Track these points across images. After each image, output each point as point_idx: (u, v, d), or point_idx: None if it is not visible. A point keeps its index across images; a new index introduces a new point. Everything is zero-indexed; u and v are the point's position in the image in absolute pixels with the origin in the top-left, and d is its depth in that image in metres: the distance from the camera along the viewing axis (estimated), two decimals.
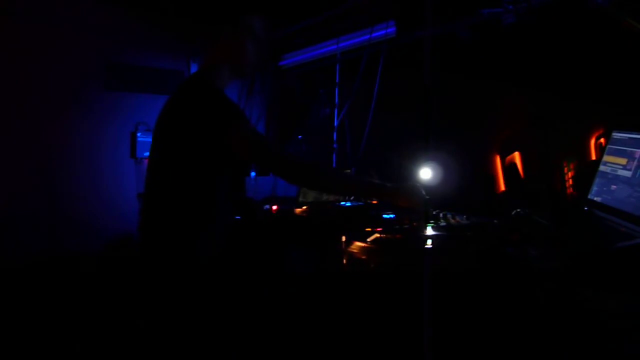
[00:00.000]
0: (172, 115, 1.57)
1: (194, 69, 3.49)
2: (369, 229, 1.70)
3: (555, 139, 2.05)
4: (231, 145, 1.47)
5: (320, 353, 1.77)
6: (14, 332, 2.59)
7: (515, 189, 2.18)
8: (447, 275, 1.37)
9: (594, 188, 1.76)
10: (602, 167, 1.75)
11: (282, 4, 2.70)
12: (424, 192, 1.54)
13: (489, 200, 2.25)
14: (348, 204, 2.21)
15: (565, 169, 2.00)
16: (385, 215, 1.95)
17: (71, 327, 2.68)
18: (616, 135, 1.73)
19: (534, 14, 1.78)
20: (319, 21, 2.87)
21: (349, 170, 2.57)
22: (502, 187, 2.27)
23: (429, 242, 1.48)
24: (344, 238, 1.66)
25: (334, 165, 3.02)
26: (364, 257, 1.60)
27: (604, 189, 1.70)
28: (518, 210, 1.66)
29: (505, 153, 2.24)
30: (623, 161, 1.64)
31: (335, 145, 3.02)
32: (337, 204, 2.22)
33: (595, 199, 1.73)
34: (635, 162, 1.57)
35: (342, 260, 1.66)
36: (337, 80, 3.10)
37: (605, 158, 1.75)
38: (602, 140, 1.89)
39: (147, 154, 1.56)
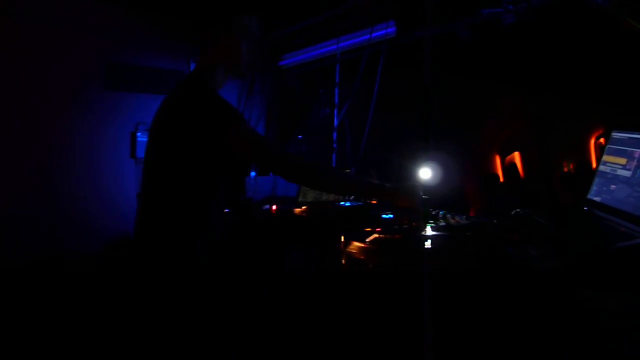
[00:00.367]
0: (169, 116, 1.57)
1: (193, 68, 3.48)
2: (369, 229, 1.70)
3: (555, 139, 2.05)
4: (231, 145, 1.48)
5: (320, 353, 1.77)
6: (14, 332, 2.59)
7: (515, 189, 2.18)
8: (446, 275, 1.37)
9: (594, 188, 1.76)
10: (601, 167, 1.75)
11: (282, 4, 2.70)
12: (422, 192, 1.54)
13: (489, 200, 2.25)
14: (348, 204, 2.21)
15: (565, 169, 2.00)
16: (384, 216, 1.95)
17: (71, 327, 2.68)
18: (616, 135, 1.73)
19: (534, 14, 1.78)
20: (319, 21, 2.87)
21: (348, 170, 2.57)
22: (502, 187, 2.27)
23: (429, 242, 1.48)
24: (342, 238, 1.66)
25: (333, 165, 3.02)
26: (363, 257, 1.60)
27: (604, 188, 1.70)
28: (518, 210, 1.66)
29: (505, 153, 2.24)
30: (623, 161, 1.64)
31: (335, 145, 3.02)
32: (337, 204, 2.22)
33: (595, 198, 1.73)
34: (635, 162, 1.57)
35: (342, 261, 1.66)
36: (337, 80, 3.10)
37: (605, 158, 1.75)
38: (602, 140, 1.89)
39: (144, 153, 1.56)
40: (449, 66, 2.02)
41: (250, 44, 1.67)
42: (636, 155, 1.58)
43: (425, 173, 1.61)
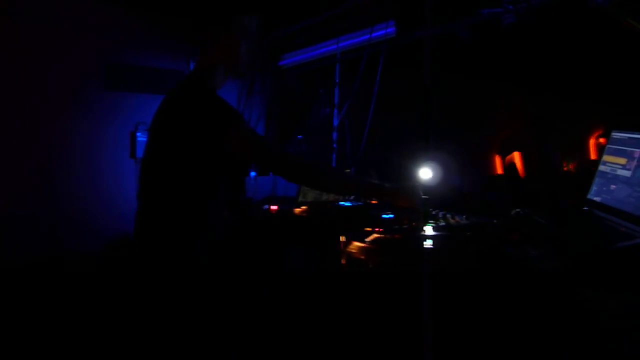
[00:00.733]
0: (169, 116, 1.57)
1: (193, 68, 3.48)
2: (369, 229, 1.70)
3: (555, 139, 2.05)
4: (231, 145, 1.48)
5: (320, 353, 1.77)
6: (14, 332, 2.59)
7: (515, 189, 2.18)
8: (446, 275, 1.37)
9: (594, 188, 1.76)
10: (601, 167, 1.75)
11: (282, 4, 2.70)
12: (422, 192, 1.54)
13: (489, 200, 2.25)
14: (348, 204, 2.21)
15: (565, 169, 2.00)
16: (384, 216, 1.95)
17: (71, 327, 2.68)
18: (616, 135, 1.73)
19: (534, 14, 1.78)
20: (319, 21, 2.87)
21: (348, 170, 2.57)
22: (502, 188, 2.27)
23: (429, 242, 1.48)
24: (342, 238, 1.66)
25: (333, 165, 3.02)
26: (363, 257, 1.60)
27: (604, 188, 1.70)
28: (518, 210, 1.66)
29: (505, 153, 2.24)
30: (622, 161, 1.64)
31: (335, 145, 3.02)
32: (337, 204, 2.22)
33: (595, 198, 1.73)
34: (635, 162, 1.57)
35: (342, 261, 1.66)
36: (337, 80, 3.10)
37: (605, 158, 1.75)
38: (601, 140, 1.89)
39: (143, 153, 1.56)
40: (449, 66, 2.01)
41: (250, 44, 1.67)
42: (636, 155, 1.58)
43: (425, 173, 1.61)
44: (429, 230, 1.56)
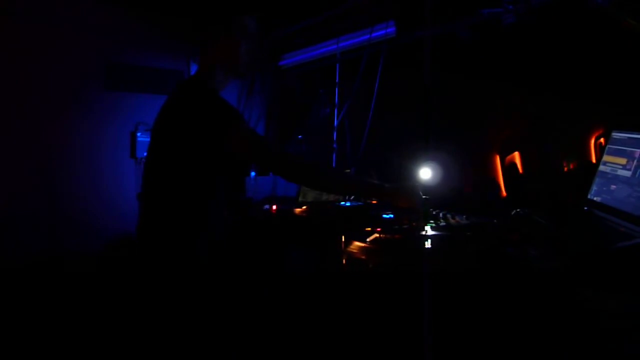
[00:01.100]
0: (170, 116, 1.57)
1: (194, 69, 3.48)
2: (369, 229, 1.70)
3: (555, 139, 2.05)
4: (231, 145, 1.48)
5: (320, 353, 1.77)
6: (14, 332, 2.59)
7: (515, 189, 2.18)
8: (446, 275, 1.37)
9: (594, 188, 1.76)
10: (601, 167, 1.75)
11: (282, 4, 2.70)
12: (422, 193, 1.54)
13: (489, 200, 2.25)
14: (348, 204, 2.21)
15: (565, 169, 2.00)
16: (384, 215, 1.95)
17: (71, 327, 2.68)
18: (616, 135, 1.73)
19: (534, 14, 1.78)
20: (319, 21, 2.87)
21: (348, 170, 2.57)
22: (503, 187, 2.27)
23: (429, 242, 1.48)
24: (343, 238, 1.66)
25: (334, 165, 3.02)
26: (363, 257, 1.60)
27: (604, 188, 1.70)
28: (518, 210, 1.66)
29: (505, 153, 2.24)
30: (623, 161, 1.64)
31: (335, 145, 3.02)
32: (337, 204, 2.22)
33: (595, 198, 1.73)
34: (635, 162, 1.57)
35: (342, 260, 1.66)
36: (337, 80, 3.10)
37: (605, 158, 1.75)
38: (602, 140, 1.89)
39: (146, 154, 1.57)
40: (449, 66, 2.01)
41: (250, 44, 1.67)
42: (636, 155, 1.58)
43: (425, 173, 1.61)
44: (429, 230, 1.56)
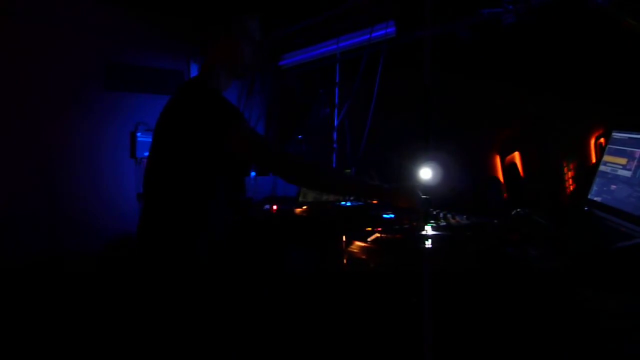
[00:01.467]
0: (171, 116, 1.57)
1: (193, 68, 3.49)
2: (369, 229, 1.70)
3: (555, 139, 2.05)
4: (231, 145, 1.48)
5: (320, 353, 1.77)
6: (14, 332, 2.59)
7: (515, 189, 2.18)
8: (447, 275, 1.37)
9: (594, 188, 1.76)
10: (602, 167, 1.75)
11: (282, 4, 2.70)
12: (421, 192, 1.54)
13: (488, 200, 2.25)
14: (348, 204, 2.21)
15: (565, 169, 2.00)
16: (385, 215, 1.95)
17: (71, 327, 2.68)
18: (616, 135, 1.73)
19: (534, 14, 1.78)
20: (319, 21, 2.87)
21: (349, 170, 2.57)
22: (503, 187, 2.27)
23: (429, 242, 1.48)
24: (344, 238, 1.66)
25: (334, 165, 3.02)
26: (364, 257, 1.60)
27: (604, 188, 1.70)
28: (518, 210, 1.66)
29: (505, 153, 2.24)
30: (623, 161, 1.64)
31: (335, 145, 3.02)
32: (337, 204, 2.22)
33: (595, 198, 1.73)
34: (635, 162, 1.57)
35: (342, 260, 1.66)
36: (337, 80, 3.10)
37: (605, 158, 1.75)
38: (602, 140, 1.89)
39: (147, 153, 1.56)
40: (449, 66, 2.01)
41: (250, 45, 1.67)
42: (636, 156, 1.58)
43: (425, 173, 1.61)
44: (429, 230, 1.56)
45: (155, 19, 3.26)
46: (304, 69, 3.36)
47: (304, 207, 2.32)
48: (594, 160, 1.91)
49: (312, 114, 3.27)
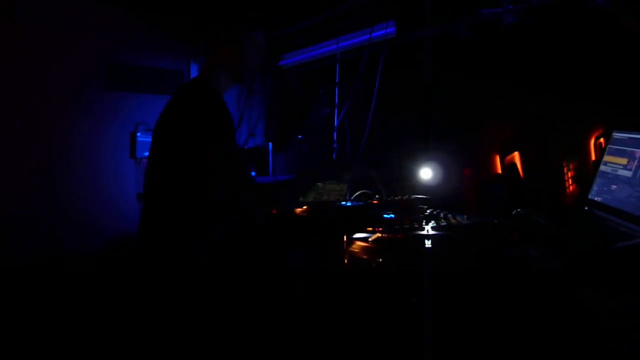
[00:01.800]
0: (171, 117, 1.57)
1: (193, 68, 3.49)
2: (370, 229, 1.70)
3: (555, 139, 2.05)
4: (208, 155, 1.48)
5: (320, 353, 1.77)
6: (14, 332, 2.59)
7: (515, 189, 2.18)
8: (447, 275, 1.37)
9: (594, 188, 1.76)
10: (602, 167, 1.75)
11: (282, 4, 2.70)
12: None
13: (488, 200, 2.25)
14: (348, 204, 2.20)
15: (565, 169, 2.00)
16: (385, 215, 1.95)
17: (71, 327, 2.68)
18: (616, 135, 1.73)
19: (534, 14, 1.78)
20: (319, 21, 2.87)
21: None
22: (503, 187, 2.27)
23: (429, 242, 1.48)
24: (345, 238, 1.66)
25: (333, 165, 3.02)
26: (364, 256, 1.60)
27: (604, 189, 1.70)
28: (518, 210, 1.66)
29: (505, 153, 2.24)
30: (623, 161, 1.64)
31: (335, 145, 3.02)
32: (337, 204, 2.22)
33: (595, 199, 1.73)
34: (636, 162, 1.57)
35: (343, 260, 1.66)
36: (337, 80, 3.10)
37: (606, 158, 1.75)
38: (602, 140, 1.89)
39: (147, 153, 1.57)
40: (449, 66, 2.01)
41: (250, 45, 1.67)
42: (637, 156, 1.58)
43: (425, 173, 1.61)
44: (429, 230, 1.56)
45: (155, 19, 3.26)
46: (304, 69, 3.36)
47: (304, 207, 2.32)
48: (593, 160, 1.91)
49: (312, 114, 3.27)
